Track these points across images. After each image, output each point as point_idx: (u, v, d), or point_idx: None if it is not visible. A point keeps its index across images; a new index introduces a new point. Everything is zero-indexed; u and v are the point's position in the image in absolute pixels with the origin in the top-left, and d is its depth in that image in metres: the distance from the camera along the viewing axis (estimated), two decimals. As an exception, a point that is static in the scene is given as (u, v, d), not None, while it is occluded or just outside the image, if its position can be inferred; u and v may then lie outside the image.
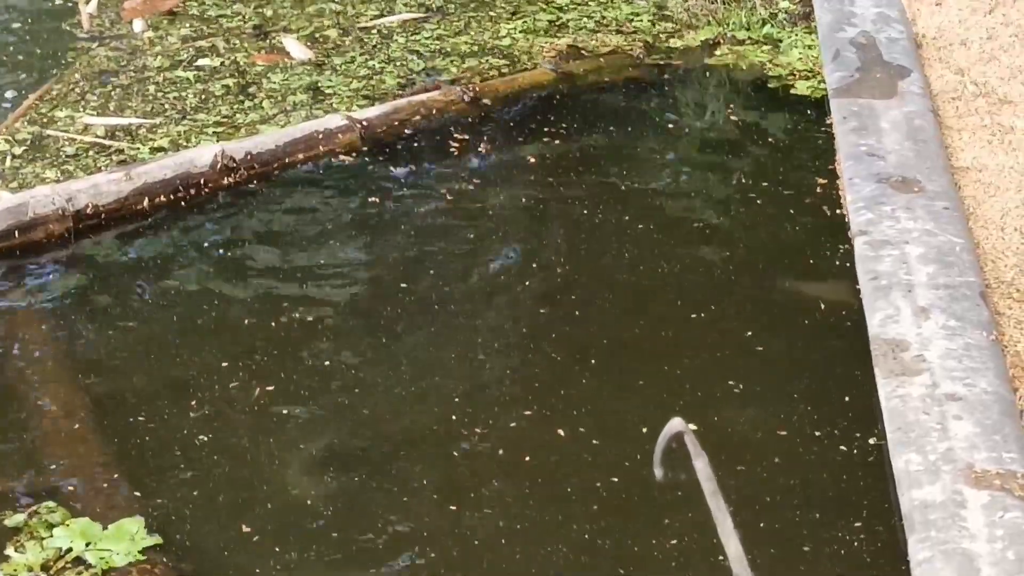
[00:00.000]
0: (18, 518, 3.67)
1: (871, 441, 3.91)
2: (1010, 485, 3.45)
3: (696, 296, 4.60)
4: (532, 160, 5.51)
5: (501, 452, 3.94)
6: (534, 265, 4.83)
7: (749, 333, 4.40)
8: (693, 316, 4.49)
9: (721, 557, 3.28)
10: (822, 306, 4.51)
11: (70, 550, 3.56)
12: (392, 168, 5.43)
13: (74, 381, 4.25)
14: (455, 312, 4.60)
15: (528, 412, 4.08)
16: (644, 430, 3.88)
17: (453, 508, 3.76)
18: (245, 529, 3.70)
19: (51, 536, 3.61)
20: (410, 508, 3.76)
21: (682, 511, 3.62)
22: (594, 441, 3.95)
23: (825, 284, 4.68)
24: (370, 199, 5.24)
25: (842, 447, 3.91)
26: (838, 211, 5.00)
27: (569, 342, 4.40)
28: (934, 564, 3.27)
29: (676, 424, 2.59)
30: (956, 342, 4.00)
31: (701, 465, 2.58)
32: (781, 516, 3.68)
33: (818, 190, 5.19)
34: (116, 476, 3.84)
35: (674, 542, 3.57)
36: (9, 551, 3.56)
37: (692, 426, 2.57)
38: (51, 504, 3.71)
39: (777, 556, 3.52)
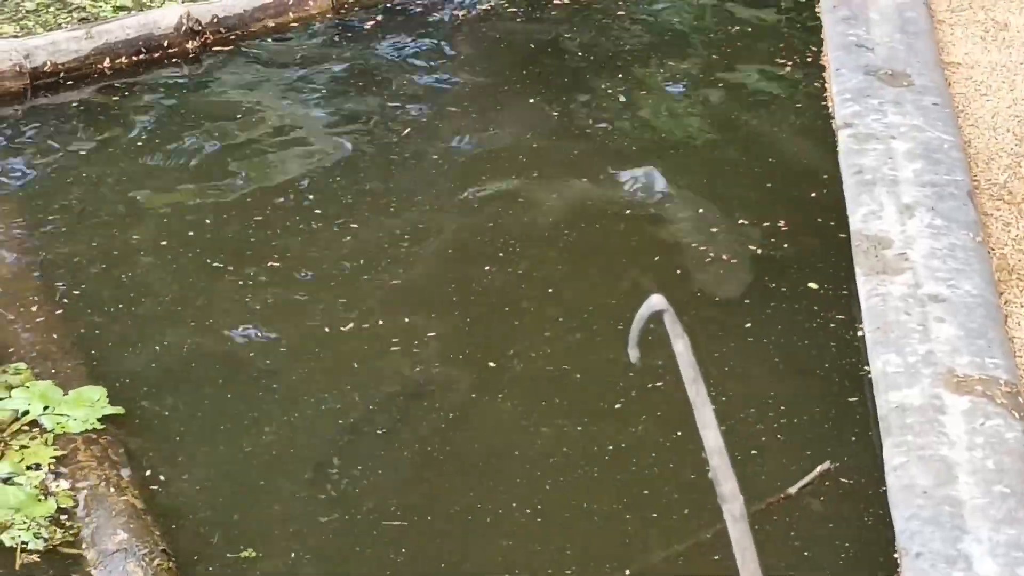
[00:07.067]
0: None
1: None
2: (992, 392, 3.33)
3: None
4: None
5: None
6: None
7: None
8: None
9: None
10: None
11: (27, 413, 3.43)
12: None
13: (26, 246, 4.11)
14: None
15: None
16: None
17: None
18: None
19: (9, 397, 3.47)
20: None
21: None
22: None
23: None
24: (343, 67, 5.11)
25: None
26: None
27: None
28: (909, 470, 3.16)
29: (656, 302, 2.33)
30: (941, 241, 3.88)
31: (682, 348, 2.33)
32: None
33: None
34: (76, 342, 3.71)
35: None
36: (-40, 413, 3.42)
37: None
38: (20, 366, 3.56)
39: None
